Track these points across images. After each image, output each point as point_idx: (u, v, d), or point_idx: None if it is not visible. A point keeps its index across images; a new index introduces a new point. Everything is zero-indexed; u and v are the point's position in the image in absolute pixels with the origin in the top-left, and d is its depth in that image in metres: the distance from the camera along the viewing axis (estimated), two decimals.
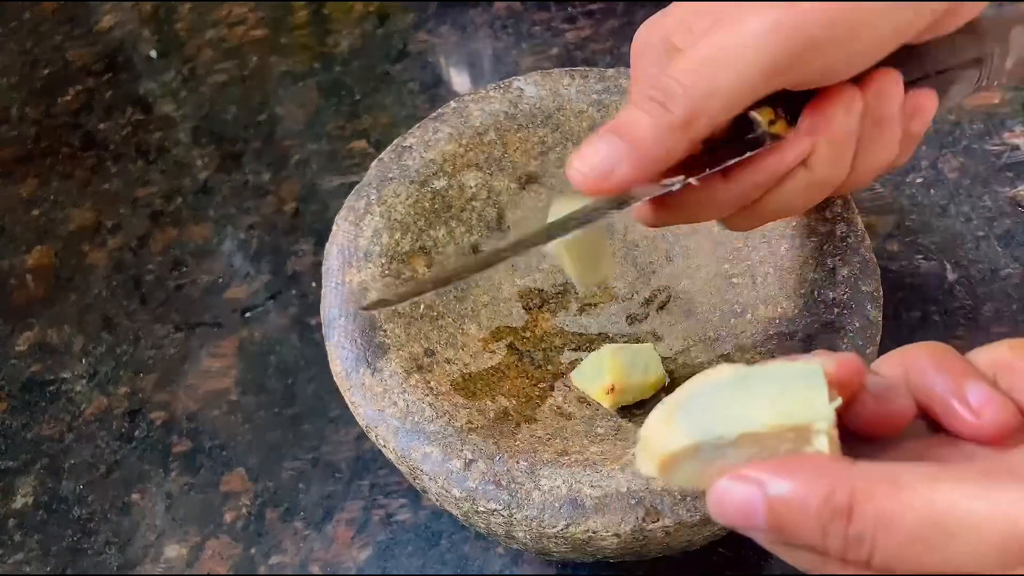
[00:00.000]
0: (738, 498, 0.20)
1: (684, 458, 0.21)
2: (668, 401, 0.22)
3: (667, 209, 0.29)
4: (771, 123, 0.27)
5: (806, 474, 0.20)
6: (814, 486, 0.19)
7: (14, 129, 0.60)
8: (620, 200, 0.27)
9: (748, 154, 0.27)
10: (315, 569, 0.40)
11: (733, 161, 0.27)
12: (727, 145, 0.27)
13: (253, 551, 0.41)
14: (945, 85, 0.30)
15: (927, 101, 0.29)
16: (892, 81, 0.27)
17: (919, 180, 0.47)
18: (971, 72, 0.30)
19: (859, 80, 0.27)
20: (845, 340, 0.33)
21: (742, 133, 0.27)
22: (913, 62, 0.28)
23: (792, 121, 0.28)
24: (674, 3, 0.29)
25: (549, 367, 0.39)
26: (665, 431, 0.21)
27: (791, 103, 0.27)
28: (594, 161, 0.26)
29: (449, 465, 0.32)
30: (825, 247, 0.36)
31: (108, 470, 0.44)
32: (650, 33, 0.29)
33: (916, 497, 0.19)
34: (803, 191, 0.29)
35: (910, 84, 0.28)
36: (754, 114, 0.27)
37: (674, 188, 0.27)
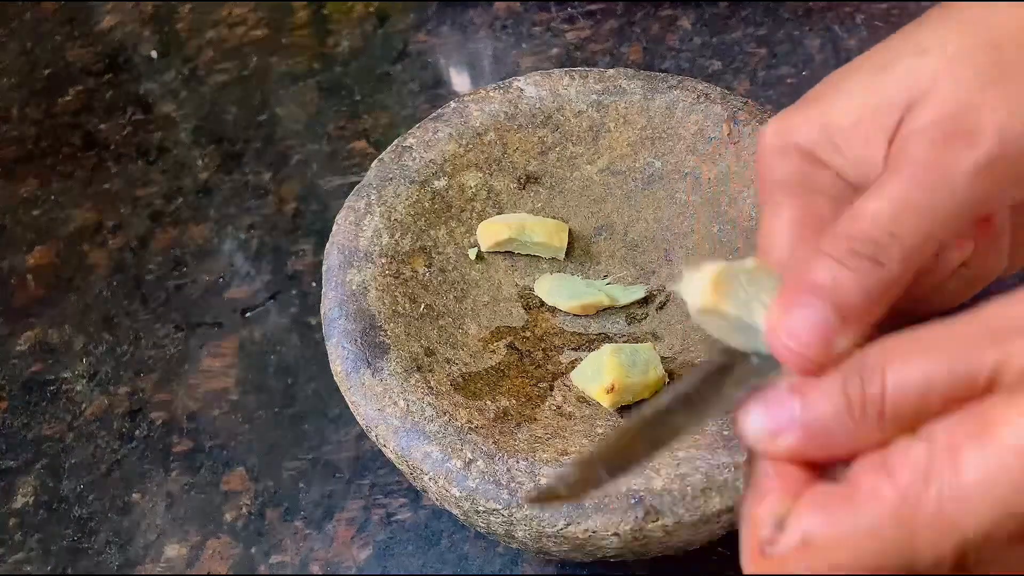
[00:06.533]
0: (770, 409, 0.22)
1: (723, 315, 0.24)
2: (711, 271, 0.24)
3: None
4: None
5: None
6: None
7: (14, 129, 0.60)
8: None
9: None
10: (315, 569, 0.40)
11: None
12: None
13: (253, 551, 0.41)
14: None
15: None
16: None
17: None
18: None
19: None
20: None
21: None
22: None
23: None
24: (804, 104, 0.27)
25: (549, 367, 0.39)
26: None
27: None
28: (804, 335, 0.22)
29: (449, 465, 0.32)
30: None
31: (108, 470, 0.44)
32: (783, 139, 0.27)
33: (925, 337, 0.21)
34: (963, 289, 0.28)
35: None
36: None
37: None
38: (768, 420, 0.22)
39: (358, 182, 0.41)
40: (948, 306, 0.28)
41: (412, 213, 0.40)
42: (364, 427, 0.34)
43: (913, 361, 0.20)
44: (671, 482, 0.31)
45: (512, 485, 0.31)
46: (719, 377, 0.24)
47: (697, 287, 0.24)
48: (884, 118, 0.25)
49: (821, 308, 0.22)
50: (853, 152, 0.26)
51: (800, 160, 0.27)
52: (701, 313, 0.24)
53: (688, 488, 0.31)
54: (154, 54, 0.63)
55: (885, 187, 0.23)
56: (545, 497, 0.26)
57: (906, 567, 0.20)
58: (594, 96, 0.42)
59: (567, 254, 0.42)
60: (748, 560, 0.22)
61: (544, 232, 0.41)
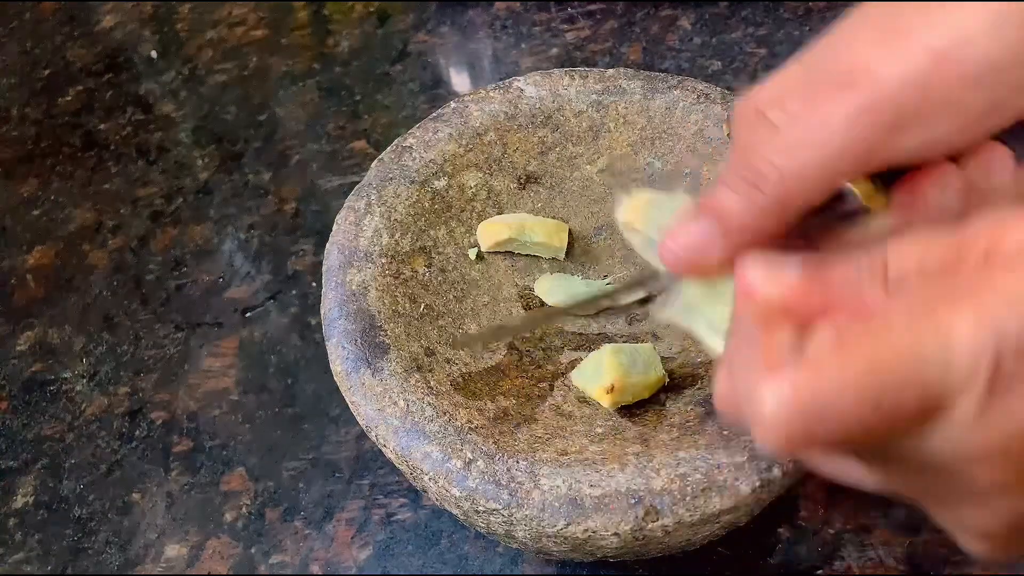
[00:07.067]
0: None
1: (638, 231, 0.30)
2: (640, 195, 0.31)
3: None
4: (868, 197, 0.27)
5: None
6: None
7: (15, 129, 0.60)
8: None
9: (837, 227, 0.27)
10: (315, 569, 0.40)
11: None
12: (818, 217, 0.27)
13: (253, 551, 0.41)
14: None
15: None
16: (997, 154, 0.27)
17: None
18: None
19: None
20: None
21: (838, 205, 0.27)
22: None
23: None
24: (772, 76, 0.29)
25: (549, 367, 0.39)
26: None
27: (893, 176, 0.27)
28: (686, 242, 0.27)
29: (449, 465, 0.32)
30: None
31: (108, 470, 0.44)
32: (746, 106, 0.29)
33: None
34: None
35: None
36: (850, 187, 0.27)
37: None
38: (767, 257, 0.24)
39: (358, 182, 0.41)
40: None
41: (412, 213, 0.40)
42: (364, 427, 0.34)
43: (911, 239, 0.22)
44: (671, 482, 0.31)
45: (512, 485, 0.31)
46: (631, 286, 0.31)
47: (624, 206, 0.30)
48: (816, 75, 0.27)
49: (706, 222, 0.26)
50: (791, 108, 0.27)
51: (756, 121, 0.29)
52: (623, 227, 0.30)
53: (688, 488, 0.31)
54: (154, 54, 0.63)
55: (783, 128, 0.26)
56: (464, 342, 0.38)
57: (940, 381, 0.19)
58: (594, 96, 0.42)
59: (567, 254, 0.42)
60: (756, 378, 0.21)
61: (544, 232, 0.41)
